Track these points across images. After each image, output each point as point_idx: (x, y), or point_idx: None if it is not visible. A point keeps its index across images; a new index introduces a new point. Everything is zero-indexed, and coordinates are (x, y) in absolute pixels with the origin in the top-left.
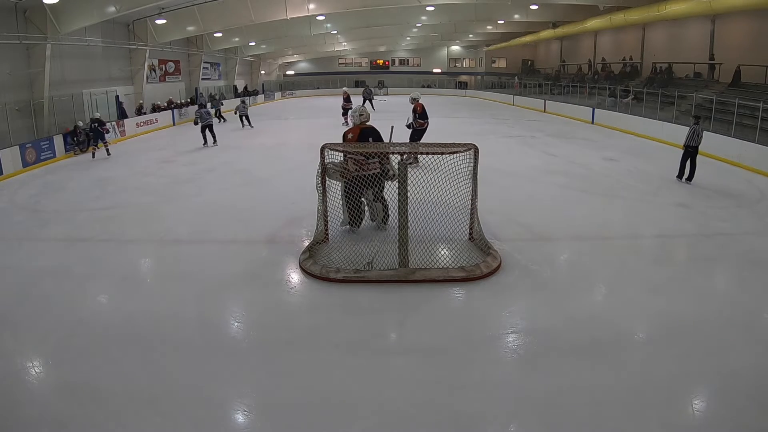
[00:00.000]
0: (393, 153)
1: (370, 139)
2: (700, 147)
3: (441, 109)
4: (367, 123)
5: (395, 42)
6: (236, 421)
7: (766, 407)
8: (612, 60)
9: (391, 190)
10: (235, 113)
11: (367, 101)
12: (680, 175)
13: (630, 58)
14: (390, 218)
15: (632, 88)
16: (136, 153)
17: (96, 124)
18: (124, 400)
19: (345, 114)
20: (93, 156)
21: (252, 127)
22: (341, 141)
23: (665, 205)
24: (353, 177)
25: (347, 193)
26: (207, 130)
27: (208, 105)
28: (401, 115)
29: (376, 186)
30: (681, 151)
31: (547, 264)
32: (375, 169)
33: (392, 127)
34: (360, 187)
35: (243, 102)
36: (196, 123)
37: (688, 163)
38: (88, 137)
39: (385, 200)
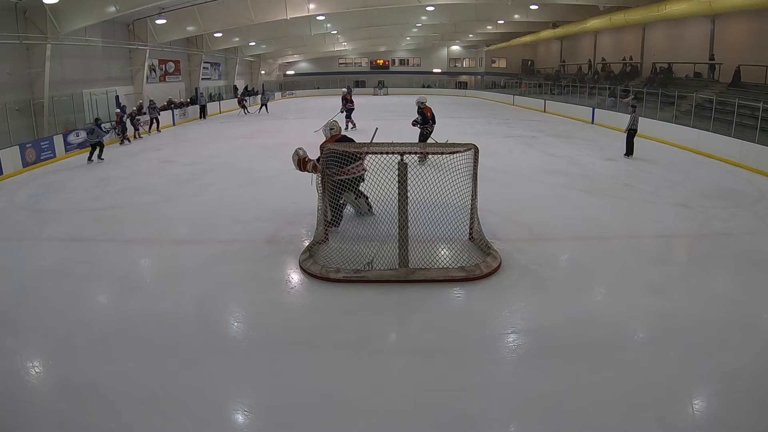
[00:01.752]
0: (393, 153)
1: None
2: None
3: (441, 110)
4: (339, 134)
5: (395, 42)
6: (236, 421)
7: (766, 407)
8: (612, 60)
9: (391, 189)
10: (261, 101)
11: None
12: (629, 153)
13: (630, 58)
14: (372, 207)
15: (632, 88)
16: (136, 153)
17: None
18: (124, 400)
19: (349, 117)
20: (138, 137)
21: (268, 113)
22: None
23: (665, 205)
24: (340, 180)
25: (333, 195)
26: (97, 146)
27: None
28: (398, 115)
29: (357, 186)
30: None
31: (547, 264)
32: (361, 171)
33: (376, 129)
34: (345, 190)
35: (263, 94)
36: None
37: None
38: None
39: (363, 193)
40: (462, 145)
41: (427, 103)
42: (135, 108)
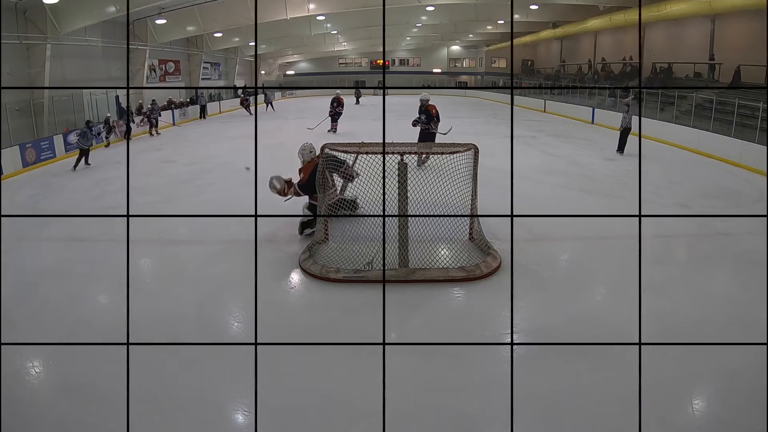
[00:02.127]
0: (393, 153)
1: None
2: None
3: (441, 110)
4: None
5: (395, 42)
6: (236, 421)
7: (766, 407)
8: (612, 60)
9: (391, 189)
10: (264, 101)
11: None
12: (620, 150)
13: (630, 58)
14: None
15: (632, 88)
16: (136, 153)
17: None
18: (124, 400)
19: (335, 120)
20: (151, 135)
21: (274, 110)
22: (298, 176)
23: (665, 205)
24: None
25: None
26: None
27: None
28: (398, 115)
29: (337, 206)
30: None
31: (547, 264)
32: (334, 198)
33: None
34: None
35: (265, 93)
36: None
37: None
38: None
39: (346, 200)
40: (462, 145)
41: (430, 101)
42: (149, 107)
